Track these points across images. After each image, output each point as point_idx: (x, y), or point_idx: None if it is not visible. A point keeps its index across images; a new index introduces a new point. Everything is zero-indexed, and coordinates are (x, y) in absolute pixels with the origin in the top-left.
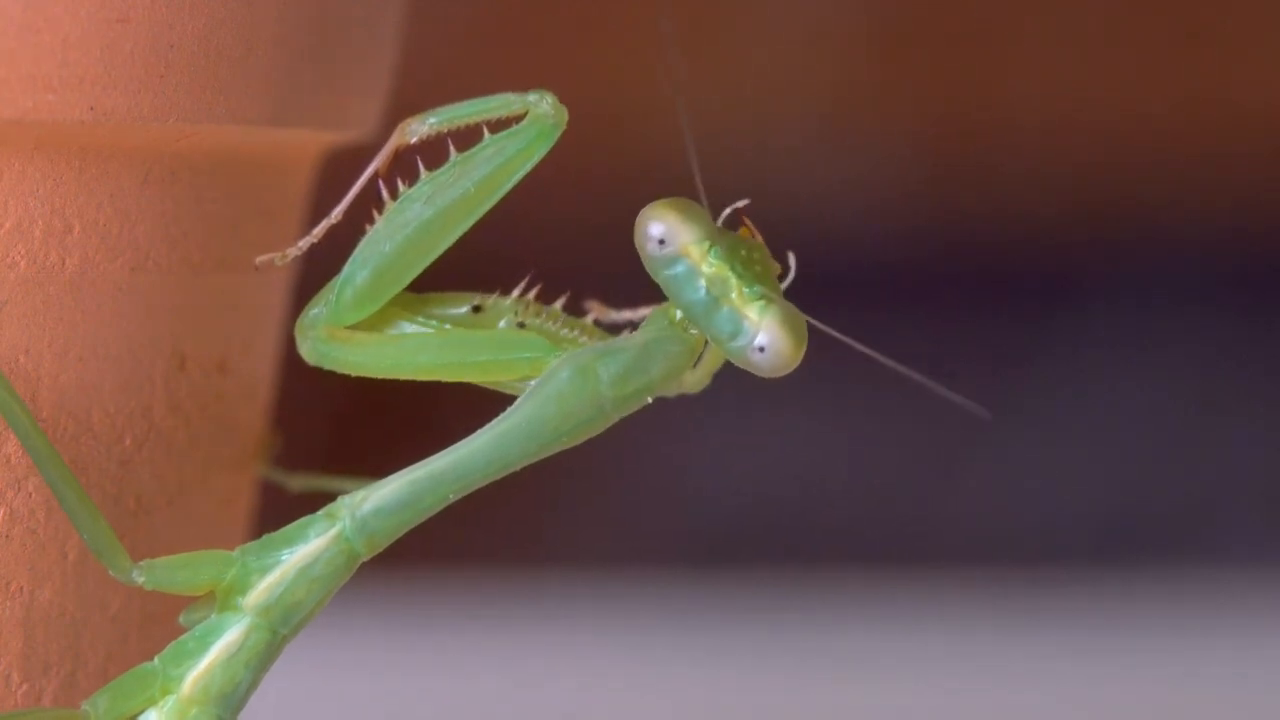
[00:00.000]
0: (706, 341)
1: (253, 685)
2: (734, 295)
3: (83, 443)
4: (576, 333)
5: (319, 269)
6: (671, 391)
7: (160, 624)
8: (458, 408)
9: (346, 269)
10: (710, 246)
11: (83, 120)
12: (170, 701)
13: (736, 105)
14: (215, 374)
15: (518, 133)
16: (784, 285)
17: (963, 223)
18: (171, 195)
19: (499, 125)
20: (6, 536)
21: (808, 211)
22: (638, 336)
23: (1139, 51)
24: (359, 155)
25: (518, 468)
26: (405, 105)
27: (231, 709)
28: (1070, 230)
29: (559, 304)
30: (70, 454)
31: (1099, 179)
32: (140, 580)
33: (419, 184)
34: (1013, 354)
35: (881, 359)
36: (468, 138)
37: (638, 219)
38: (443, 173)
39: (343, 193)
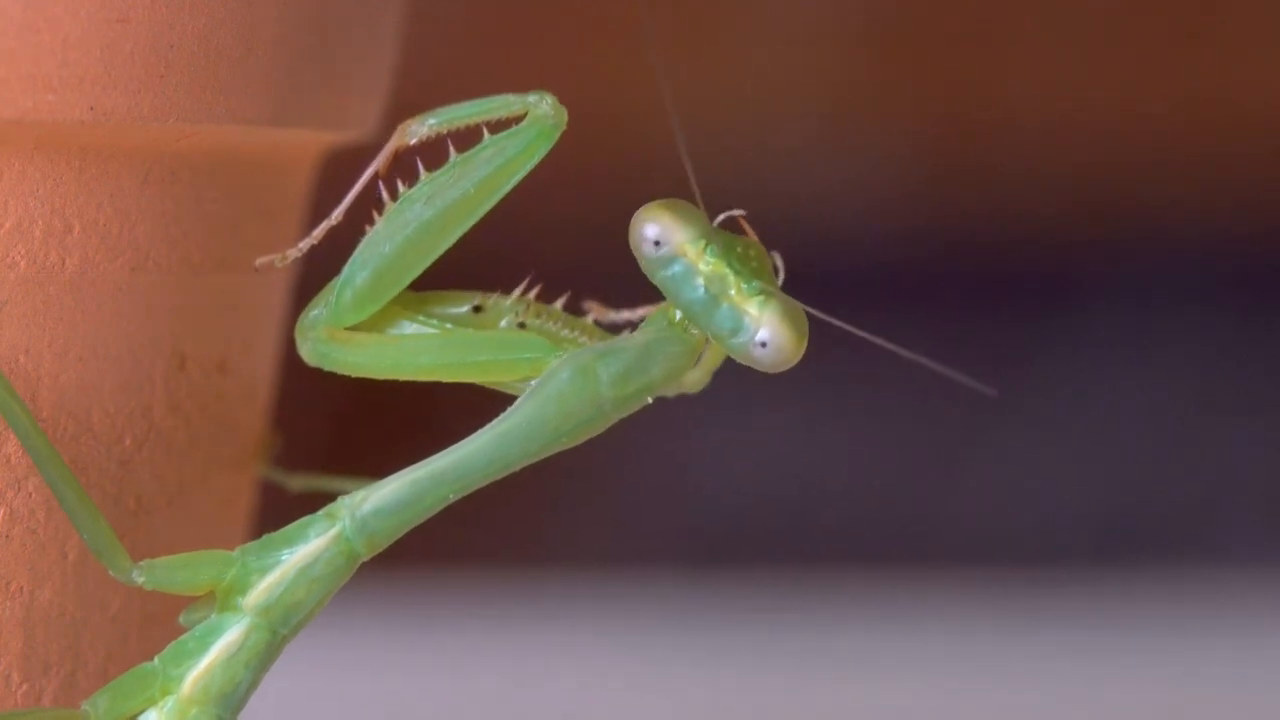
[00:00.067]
0: (707, 340)
1: (253, 685)
2: (733, 292)
3: (83, 443)
4: (577, 333)
5: (319, 269)
6: (671, 391)
7: (160, 624)
8: (458, 408)
9: (346, 270)
10: (706, 245)
11: (83, 120)
12: (170, 701)
13: (736, 105)
14: (215, 374)
15: (517, 133)
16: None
17: (963, 223)
18: (171, 195)
19: (499, 126)
20: (6, 536)
21: (808, 211)
22: (638, 337)
23: (1139, 51)
24: (359, 155)
25: (518, 468)
26: (405, 105)
27: (231, 709)
28: (1070, 230)
29: (559, 304)
30: (70, 454)
31: (1099, 179)
32: (140, 580)
33: (419, 185)
34: (1013, 354)
35: (883, 343)
36: (467, 138)
37: (632, 221)
38: (442, 173)
39: (343, 193)
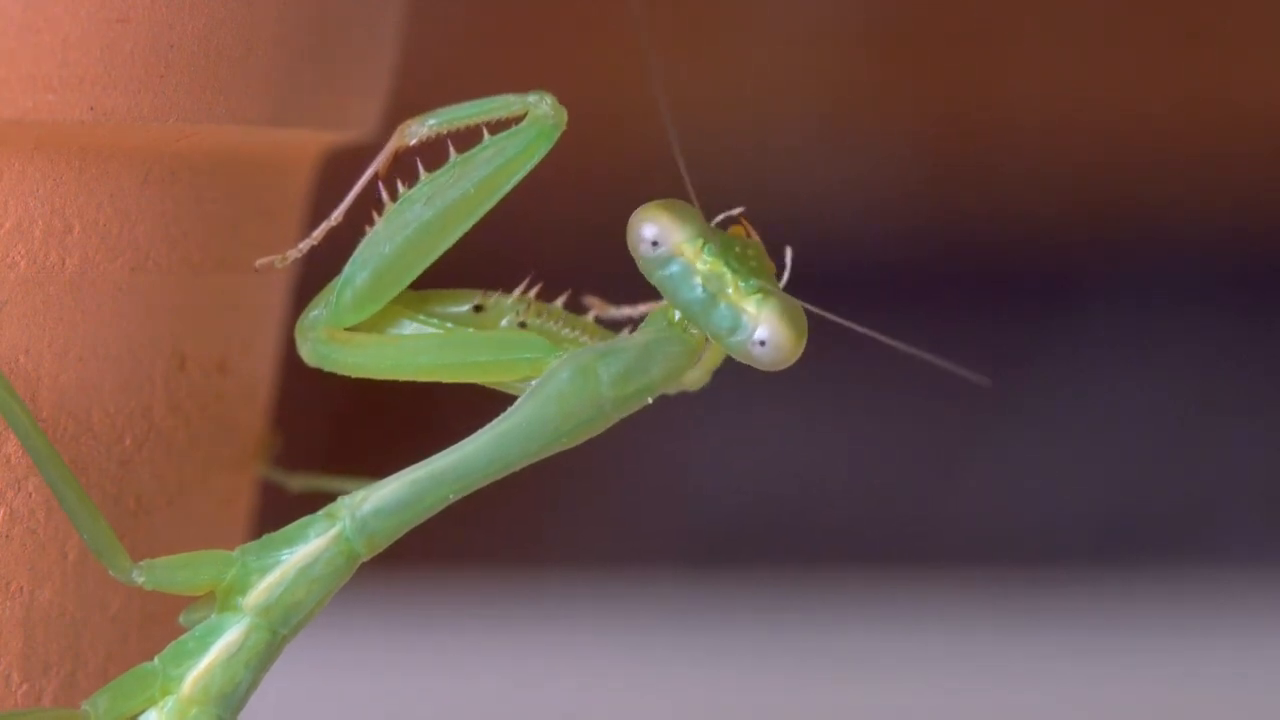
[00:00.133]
0: (706, 340)
1: (253, 685)
2: (730, 290)
3: (83, 443)
4: (578, 332)
5: (319, 270)
6: (672, 389)
7: (160, 624)
8: (458, 408)
9: (346, 270)
10: (704, 244)
11: (83, 120)
12: (170, 701)
13: (736, 105)
14: (215, 374)
15: (517, 133)
16: (780, 284)
17: (963, 223)
18: (171, 195)
19: (499, 126)
20: (6, 536)
21: (808, 211)
22: (638, 337)
23: (1139, 51)
24: (359, 155)
25: (518, 468)
26: (405, 105)
27: (231, 709)
28: (1070, 230)
29: (559, 302)
30: (70, 454)
31: (1099, 179)
32: (140, 580)
33: (419, 185)
34: (1013, 354)
35: (882, 338)
36: (467, 139)
37: (629, 222)
38: (442, 174)
39: (343, 193)
